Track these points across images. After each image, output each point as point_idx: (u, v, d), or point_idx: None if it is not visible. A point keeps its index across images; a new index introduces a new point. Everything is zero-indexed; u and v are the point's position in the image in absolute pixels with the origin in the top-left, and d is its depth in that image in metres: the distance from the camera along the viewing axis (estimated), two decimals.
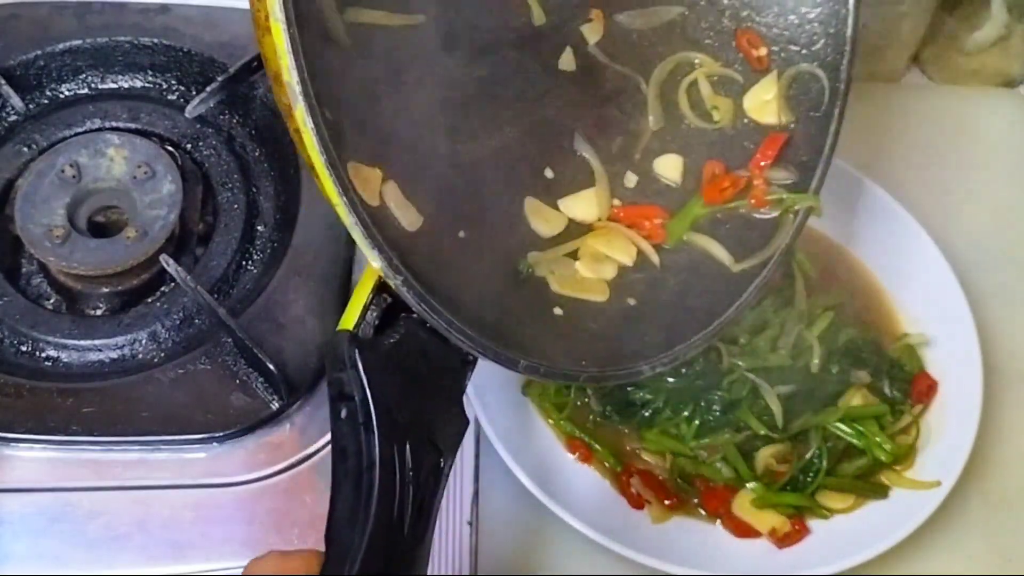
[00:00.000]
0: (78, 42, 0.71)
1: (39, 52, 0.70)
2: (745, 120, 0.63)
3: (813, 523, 0.67)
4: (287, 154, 0.68)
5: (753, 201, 0.61)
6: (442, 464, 0.46)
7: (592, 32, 0.62)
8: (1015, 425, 0.73)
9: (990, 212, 0.83)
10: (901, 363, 0.72)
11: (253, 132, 0.71)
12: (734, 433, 0.68)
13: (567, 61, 0.61)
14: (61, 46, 0.71)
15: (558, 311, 0.56)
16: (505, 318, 0.52)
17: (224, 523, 0.57)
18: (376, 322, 0.47)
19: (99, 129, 0.69)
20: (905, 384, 0.71)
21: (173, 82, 0.73)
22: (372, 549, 0.42)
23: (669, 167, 0.63)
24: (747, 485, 0.67)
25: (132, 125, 0.70)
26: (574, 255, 0.59)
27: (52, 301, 0.65)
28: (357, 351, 0.44)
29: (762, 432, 0.67)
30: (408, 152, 0.52)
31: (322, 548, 0.43)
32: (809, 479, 0.67)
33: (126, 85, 0.73)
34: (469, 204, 0.55)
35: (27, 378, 0.59)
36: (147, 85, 0.73)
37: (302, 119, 0.42)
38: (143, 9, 0.72)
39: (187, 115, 0.70)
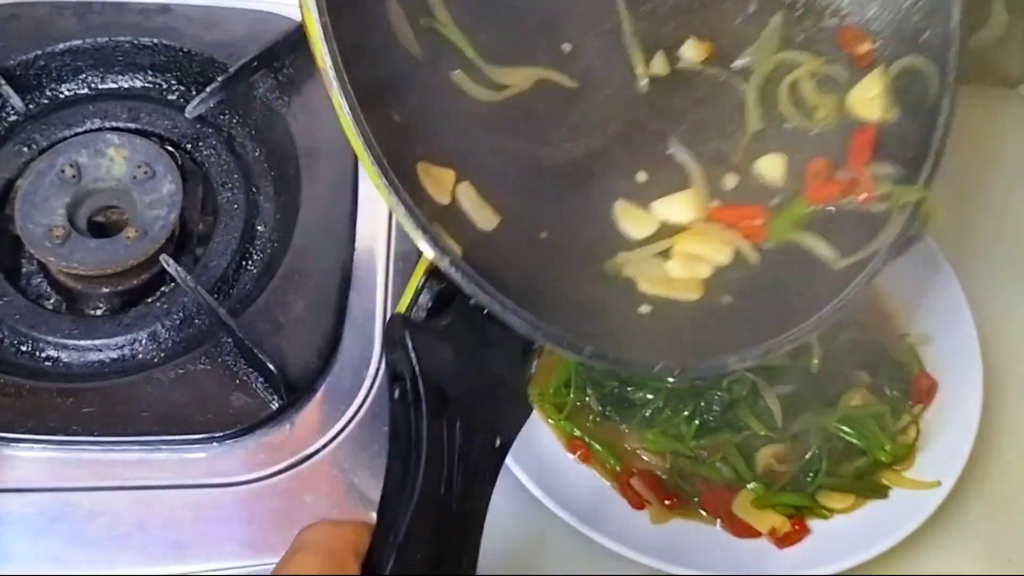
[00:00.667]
0: (78, 42, 0.71)
1: (39, 52, 0.70)
2: (849, 118, 0.62)
3: (813, 523, 0.67)
4: (287, 154, 0.68)
5: (863, 196, 0.59)
6: (497, 444, 0.47)
7: (694, 51, 0.62)
8: (1015, 425, 0.73)
9: (990, 212, 0.83)
10: (901, 363, 0.72)
11: (253, 132, 0.71)
12: (734, 433, 0.68)
13: (659, 65, 0.61)
14: (61, 46, 0.71)
15: (645, 308, 0.55)
16: (585, 314, 0.52)
17: (224, 523, 0.57)
18: (429, 304, 0.48)
19: (99, 129, 0.69)
20: (905, 384, 0.71)
21: (173, 82, 0.73)
22: (417, 520, 0.43)
23: (771, 167, 0.62)
24: (747, 485, 0.67)
25: (132, 125, 0.70)
26: (666, 254, 0.58)
27: (52, 301, 0.65)
28: (408, 332, 0.45)
29: (762, 432, 0.67)
30: (488, 155, 0.53)
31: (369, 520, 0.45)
32: (809, 479, 0.67)
33: (126, 85, 0.73)
34: (553, 206, 0.55)
35: (27, 378, 0.59)
36: (147, 85, 0.73)
37: (337, 103, 0.43)
38: (143, 9, 0.72)
39: (187, 115, 0.70)
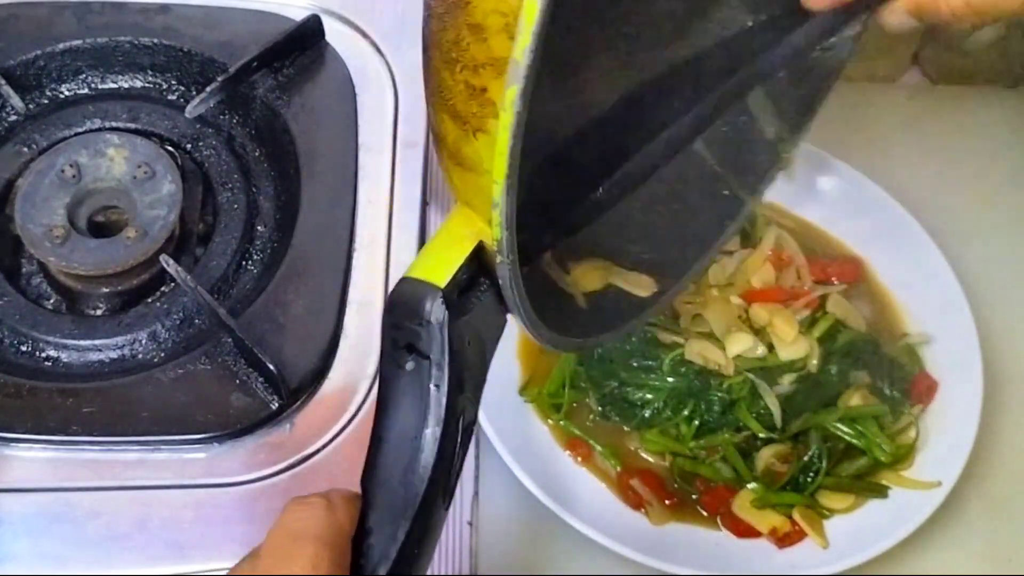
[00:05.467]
0: (78, 42, 0.71)
1: (39, 52, 0.70)
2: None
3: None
4: (287, 154, 0.68)
5: None
6: (471, 425, 0.46)
7: None
8: (1015, 425, 0.73)
9: (990, 212, 0.83)
10: (901, 363, 0.72)
11: (253, 132, 0.71)
12: (733, 433, 0.68)
13: None
14: (61, 46, 0.71)
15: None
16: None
17: (224, 523, 0.57)
18: (462, 285, 0.44)
19: (99, 129, 0.69)
20: (905, 384, 0.71)
21: (173, 82, 0.73)
22: (421, 512, 0.42)
23: None
24: (747, 485, 0.67)
25: (132, 125, 0.70)
26: None
27: (52, 301, 0.65)
28: (447, 314, 0.42)
29: (761, 434, 0.67)
30: None
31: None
32: (809, 479, 0.67)
33: (126, 85, 0.73)
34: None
35: (27, 378, 0.59)
36: (147, 85, 0.73)
37: (512, 99, 0.38)
38: (143, 9, 0.72)
39: (187, 115, 0.70)
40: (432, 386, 0.43)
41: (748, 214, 0.61)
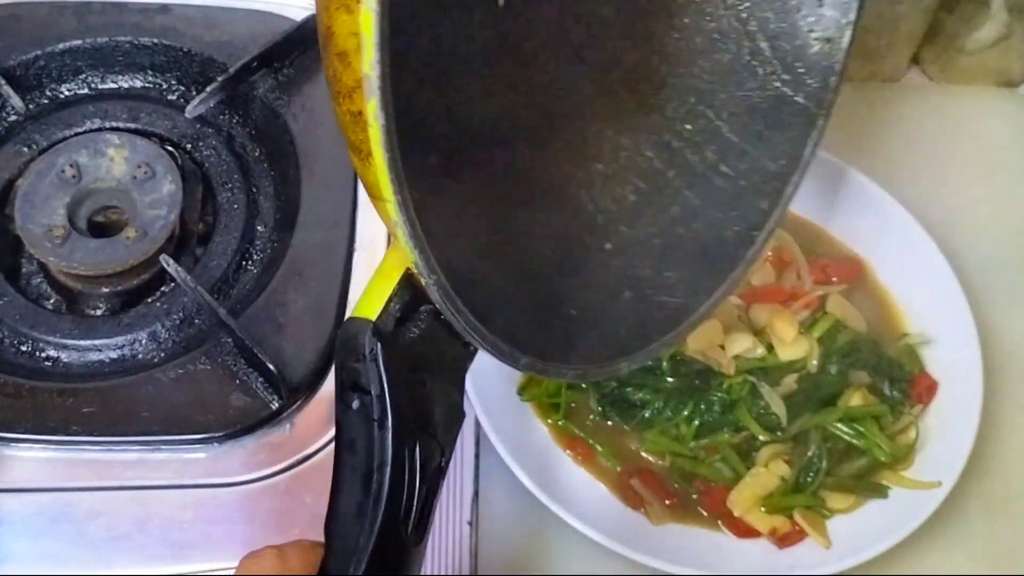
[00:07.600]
0: (78, 42, 0.71)
1: (39, 52, 0.71)
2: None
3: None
4: (287, 154, 0.68)
5: None
6: (443, 462, 0.45)
7: None
8: (1015, 425, 0.73)
9: (990, 212, 0.83)
10: (901, 363, 0.72)
11: (253, 132, 0.71)
12: (733, 433, 0.68)
13: None
14: (61, 46, 0.71)
15: (572, 311, 0.54)
16: (516, 314, 0.50)
17: (224, 523, 0.57)
18: (398, 315, 0.44)
19: (99, 129, 0.69)
20: (905, 384, 0.71)
21: (173, 82, 0.73)
22: (378, 549, 0.41)
23: None
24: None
25: (132, 125, 0.70)
26: None
27: (52, 301, 0.65)
28: (380, 345, 0.42)
29: (761, 436, 0.67)
30: None
31: (319, 540, 0.43)
32: (809, 479, 0.67)
33: (126, 85, 0.73)
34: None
35: (27, 378, 0.59)
36: (147, 85, 0.73)
37: (374, 112, 0.38)
38: (143, 9, 0.73)
39: (187, 115, 0.70)
40: (374, 421, 0.42)
41: (779, 219, 0.56)
